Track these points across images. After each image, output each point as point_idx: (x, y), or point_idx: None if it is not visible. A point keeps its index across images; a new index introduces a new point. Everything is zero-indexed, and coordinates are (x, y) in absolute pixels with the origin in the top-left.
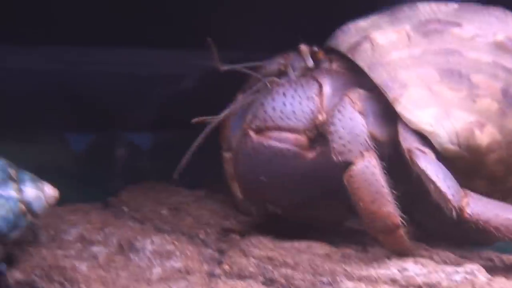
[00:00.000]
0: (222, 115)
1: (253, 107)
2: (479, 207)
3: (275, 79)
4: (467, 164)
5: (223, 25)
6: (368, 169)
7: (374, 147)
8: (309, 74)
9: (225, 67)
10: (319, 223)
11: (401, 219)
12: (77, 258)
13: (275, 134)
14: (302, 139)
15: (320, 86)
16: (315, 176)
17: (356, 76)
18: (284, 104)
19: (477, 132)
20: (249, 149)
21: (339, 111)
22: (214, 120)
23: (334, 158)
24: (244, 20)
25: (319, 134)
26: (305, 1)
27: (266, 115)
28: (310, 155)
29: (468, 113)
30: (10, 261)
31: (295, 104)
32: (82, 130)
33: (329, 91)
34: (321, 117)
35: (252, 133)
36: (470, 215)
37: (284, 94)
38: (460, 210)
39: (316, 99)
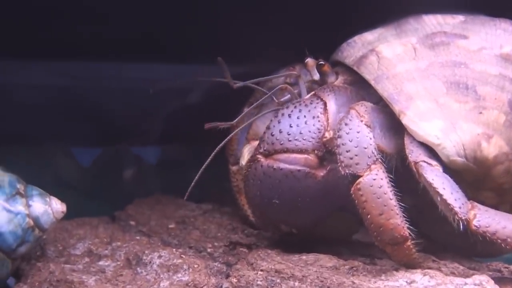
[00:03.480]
0: (235, 121)
1: (260, 125)
2: (486, 219)
3: (288, 86)
4: (474, 176)
5: (230, 39)
6: (376, 181)
7: (382, 159)
8: (312, 93)
9: (238, 84)
10: (330, 237)
11: (409, 231)
12: (85, 272)
13: (284, 156)
14: (312, 158)
15: (325, 103)
16: (327, 193)
17: (363, 89)
18: (291, 126)
19: (484, 144)
20: (259, 174)
21: (346, 124)
22: (226, 125)
23: (342, 171)
24: (252, 33)
25: (327, 152)
26: (311, 14)
27: (273, 138)
28: (321, 173)
29: (475, 125)
30: (18, 276)
31: (301, 125)
32: (89, 144)
33: (334, 108)
34: (328, 135)
35: (261, 158)
36: (477, 227)
37: (289, 115)
38: (467, 222)
39: (322, 117)
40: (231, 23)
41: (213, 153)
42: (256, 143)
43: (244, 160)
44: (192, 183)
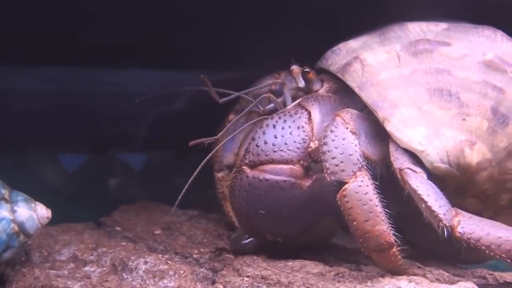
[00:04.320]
0: (219, 135)
1: (247, 136)
2: (470, 226)
3: (271, 95)
4: (458, 183)
5: (218, 46)
6: (361, 188)
7: (367, 166)
8: (296, 102)
9: (223, 100)
10: (311, 242)
11: (394, 237)
12: (70, 278)
13: (270, 167)
14: (297, 169)
15: (309, 113)
16: (313, 203)
17: (347, 97)
18: (276, 137)
19: (467, 151)
20: (245, 185)
21: (331, 131)
22: (210, 140)
23: (327, 178)
24: (239, 40)
25: (313, 161)
26: (298, 21)
27: (259, 149)
28: (307, 183)
29: (458, 131)
30: (3, 281)
31: (286, 135)
32: (75, 150)
33: (318, 118)
34: (313, 145)
35: (246, 169)
36: (461, 233)
37: (274, 126)
38: (452, 229)
39: (306, 127)
40: (221, 30)
41: (200, 165)
42: None
43: None
44: (180, 197)
